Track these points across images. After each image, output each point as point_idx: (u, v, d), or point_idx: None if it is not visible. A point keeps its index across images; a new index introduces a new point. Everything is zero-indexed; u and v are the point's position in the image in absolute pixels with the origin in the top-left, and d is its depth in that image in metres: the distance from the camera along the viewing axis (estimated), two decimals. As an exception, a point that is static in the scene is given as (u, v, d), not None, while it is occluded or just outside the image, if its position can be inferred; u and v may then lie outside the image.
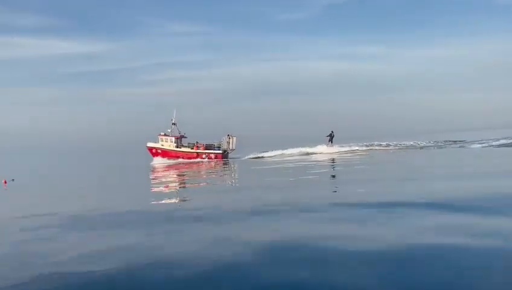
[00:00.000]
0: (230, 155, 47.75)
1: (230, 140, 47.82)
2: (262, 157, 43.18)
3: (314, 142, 44.88)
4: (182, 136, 48.49)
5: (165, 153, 47.12)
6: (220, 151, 47.08)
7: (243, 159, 42.39)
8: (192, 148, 47.57)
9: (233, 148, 48.06)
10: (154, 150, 47.86)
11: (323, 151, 41.16)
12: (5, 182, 23.30)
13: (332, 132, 42.22)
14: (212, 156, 46.67)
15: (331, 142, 41.74)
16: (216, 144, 48.17)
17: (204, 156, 46.79)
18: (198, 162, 43.93)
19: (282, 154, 43.69)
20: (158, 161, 45.61)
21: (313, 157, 35.69)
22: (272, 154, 44.74)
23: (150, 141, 48.64)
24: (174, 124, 48.17)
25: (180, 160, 45.92)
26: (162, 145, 47.55)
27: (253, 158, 42.72)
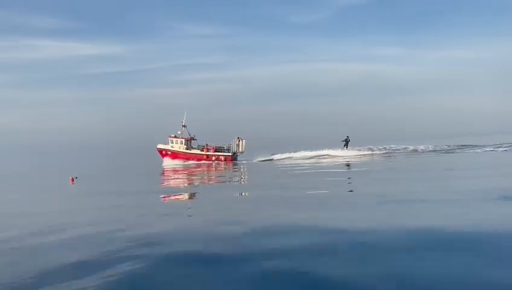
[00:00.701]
0: (239, 157, 48.07)
1: (240, 143, 48.14)
2: (271, 160, 43.45)
3: (330, 145, 44.53)
4: (192, 138, 48.87)
5: (174, 155, 47.50)
6: (230, 154, 47.39)
7: (253, 161, 42.41)
8: (202, 150, 47.91)
9: (243, 151, 48.35)
10: (164, 152, 48.27)
11: (337, 155, 40.80)
12: (72, 180, 23.98)
13: (347, 136, 42.21)
14: (222, 158, 46.96)
15: (347, 147, 41.67)
16: (225, 147, 48.52)
17: (214, 158, 47.10)
18: (208, 164, 44.20)
19: (291, 157, 43.85)
20: (168, 163, 45.97)
21: (326, 160, 35.40)
22: (282, 157, 44.90)
23: (162, 143, 49.04)
24: (184, 126, 48.56)
25: (190, 162, 46.27)
26: (172, 147, 47.95)
27: (262, 161, 42.94)
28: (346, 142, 41.84)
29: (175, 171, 32.26)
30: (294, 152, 45.37)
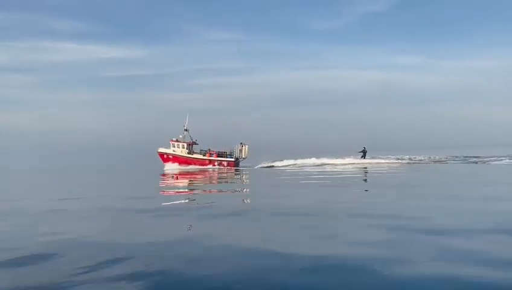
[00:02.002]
0: (241, 163, 47.26)
1: (243, 148, 47.33)
2: (273, 166, 42.97)
3: (346, 154, 45.25)
4: (194, 143, 47.96)
5: (176, 159, 46.54)
6: (232, 159, 46.53)
7: (255, 168, 41.85)
8: (205, 155, 47.00)
9: (245, 156, 47.53)
10: (165, 156, 47.29)
11: (344, 163, 41.46)
12: (177, 177, 24.48)
13: (364, 148, 42.86)
14: (225, 163, 46.08)
15: (364, 157, 42.36)
16: (228, 152, 47.68)
17: (216, 163, 46.21)
18: (210, 169, 43.39)
19: (295, 164, 43.43)
20: (170, 167, 45.02)
21: (330, 168, 34.97)
22: (285, 164, 44.54)
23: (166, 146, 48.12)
24: (186, 130, 47.66)
25: (192, 167, 45.34)
26: (174, 151, 47.00)
27: (264, 167, 42.40)
28: (364, 153, 42.67)
29: (177, 176, 31.36)
30: (302, 159, 45.28)
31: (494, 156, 39.86)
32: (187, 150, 47.00)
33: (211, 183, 23.34)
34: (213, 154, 46.92)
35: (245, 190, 18.82)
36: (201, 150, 47.61)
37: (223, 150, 47.67)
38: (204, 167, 45.61)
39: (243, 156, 47.43)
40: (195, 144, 48.10)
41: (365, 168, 28.73)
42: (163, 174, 32.84)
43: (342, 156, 44.10)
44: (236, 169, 42.49)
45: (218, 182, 23.70)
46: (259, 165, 43.76)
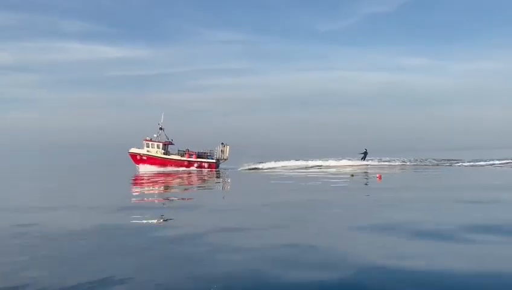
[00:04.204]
0: (222, 165, 43.51)
1: (225, 149, 43.57)
2: (256, 169, 40.05)
3: (345, 155, 43.83)
4: (170, 143, 43.65)
5: (151, 160, 42.08)
6: (214, 161, 42.65)
7: (238, 170, 38.70)
8: (183, 156, 42.79)
9: (226, 157, 43.79)
10: (138, 157, 42.70)
11: (338, 165, 39.63)
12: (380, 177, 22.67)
13: (365, 149, 41.85)
14: (205, 165, 42.10)
15: (364, 159, 41.25)
16: (208, 152, 43.74)
17: (196, 165, 42.12)
18: (189, 171, 39.34)
19: (282, 166, 40.61)
20: (144, 169, 40.58)
21: (314, 171, 32.24)
22: (270, 166, 41.71)
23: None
24: (161, 128, 43.29)
25: (169, 168, 41.06)
26: (148, 151, 42.49)
27: (248, 169, 39.30)
28: (365, 155, 41.51)
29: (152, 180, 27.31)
30: (289, 161, 42.72)
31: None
32: (163, 151, 42.66)
33: (188, 191, 19.62)
34: (192, 155, 42.77)
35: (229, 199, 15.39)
36: (179, 150, 43.36)
37: (203, 151, 43.68)
38: (183, 168, 41.50)
39: (224, 157, 43.68)
40: (171, 144, 43.81)
41: (352, 175, 26.52)
42: (135, 180, 28.63)
43: (340, 158, 42.03)
44: (217, 171, 38.89)
45: (199, 187, 19.85)
46: (242, 168, 40.62)
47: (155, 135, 43.28)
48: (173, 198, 16.08)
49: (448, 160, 40.44)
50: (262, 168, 39.99)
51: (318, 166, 39.93)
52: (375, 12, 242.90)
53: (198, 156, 42.81)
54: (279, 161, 42.44)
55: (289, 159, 42.63)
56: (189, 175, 32.60)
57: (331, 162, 41.37)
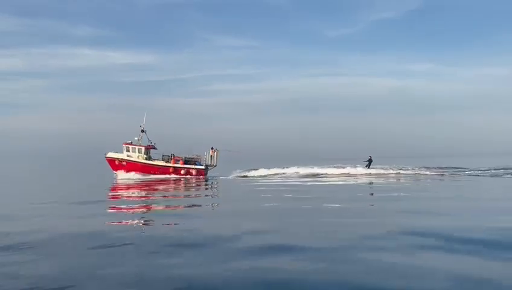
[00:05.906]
0: (210, 172, 39.26)
1: (214, 154, 39.27)
2: (246, 176, 36.71)
3: (350, 162, 42.10)
4: (152, 147, 39.06)
5: (131, 166, 37.42)
6: (202, 167, 38.30)
7: (229, 177, 35.58)
8: (168, 162, 38.23)
9: (215, 164, 39.52)
10: (117, 162, 37.94)
11: (337, 173, 36.54)
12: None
13: (370, 156, 40.06)
14: (193, 172, 37.74)
15: (368, 167, 39.39)
16: (195, 158, 39.31)
17: (183, 171, 37.65)
18: (175, 179, 34.92)
19: (284, 173, 37.07)
20: (124, 176, 35.92)
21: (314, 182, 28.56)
22: (262, 174, 38.42)
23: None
24: (143, 130, 38.69)
25: (152, 176, 36.47)
26: (129, 156, 37.80)
27: (238, 177, 35.68)
28: (369, 163, 39.67)
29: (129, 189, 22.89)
30: (282, 168, 39.59)
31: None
32: (145, 155, 38.04)
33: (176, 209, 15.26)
34: (179, 160, 38.26)
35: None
36: (163, 155, 38.80)
37: (190, 156, 39.20)
38: (168, 176, 37.00)
39: (213, 164, 39.38)
40: (154, 148, 39.24)
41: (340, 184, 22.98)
42: (112, 188, 24.15)
43: (342, 165, 38.88)
44: (206, 179, 34.71)
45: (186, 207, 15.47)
46: (233, 175, 36.81)
47: (136, 138, 38.74)
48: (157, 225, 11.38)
49: (462, 168, 37.30)
50: (253, 176, 36.71)
51: (314, 175, 36.31)
52: (383, 19, 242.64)
53: (186, 162, 38.35)
54: (271, 168, 39.32)
55: (285, 166, 39.06)
56: (176, 184, 28.26)
57: (330, 170, 37.87)
